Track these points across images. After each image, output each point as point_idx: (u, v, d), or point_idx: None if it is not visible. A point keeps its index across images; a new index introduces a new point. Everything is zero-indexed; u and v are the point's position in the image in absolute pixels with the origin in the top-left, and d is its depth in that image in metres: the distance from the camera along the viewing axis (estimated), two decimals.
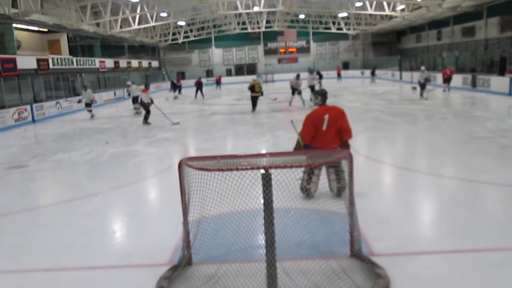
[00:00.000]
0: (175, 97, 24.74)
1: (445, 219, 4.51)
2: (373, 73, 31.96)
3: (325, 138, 4.95)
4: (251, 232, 3.93)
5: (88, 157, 8.94)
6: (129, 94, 18.82)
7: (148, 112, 13.50)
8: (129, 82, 18.17)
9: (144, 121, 13.57)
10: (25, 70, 18.06)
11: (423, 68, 17.79)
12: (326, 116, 4.91)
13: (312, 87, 16.86)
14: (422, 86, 17.02)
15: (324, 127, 4.90)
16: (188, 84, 32.64)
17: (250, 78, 38.91)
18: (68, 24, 22.18)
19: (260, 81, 36.49)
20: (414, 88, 22.14)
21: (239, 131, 11.58)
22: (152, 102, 13.39)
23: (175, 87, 26.17)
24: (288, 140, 9.80)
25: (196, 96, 24.03)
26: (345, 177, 4.26)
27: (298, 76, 16.55)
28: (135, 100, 16.73)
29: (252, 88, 15.25)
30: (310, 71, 20.62)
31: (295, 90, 16.11)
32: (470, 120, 11.29)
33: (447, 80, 19.24)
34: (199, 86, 24.13)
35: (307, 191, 5.05)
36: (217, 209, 3.45)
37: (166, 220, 4.77)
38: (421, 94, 17.03)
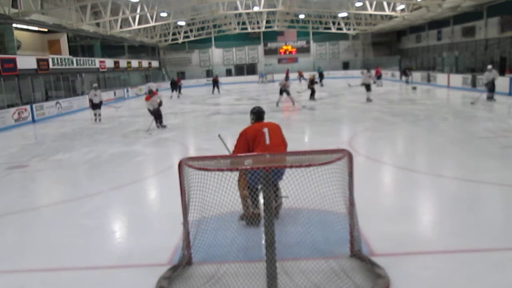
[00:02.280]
0: (171, 97, 24.70)
1: (445, 219, 4.51)
2: (406, 73, 25.91)
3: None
4: (251, 232, 3.93)
5: (88, 157, 8.94)
6: (91, 101, 15.35)
7: (157, 117, 12.16)
8: (95, 85, 15.85)
9: (158, 125, 12.19)
10: (25, 70, 18.04)
11: (489, 67, 14.69)
12: (266, 130, 4.43)
13: (367, 86, 16.55)
14: (490, 88, 14.35)
15: (268, 141, 4.34)
16: (189, 84, 32.93)
17: (250, 78, 39.24)
18: (68, 24, 22.20)
19: (265, 80, 36.90)
20: (414, 88, 22.19)
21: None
22: (160, 104, 12.05)
23: (176, 86, 25.99)
24: (287, 140, 9.81)
25: (213, 91, 26.79)
26: (281, 194, 4.12)
27: (287, 77, 17.27)
28: (97, 106, 15.09)
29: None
30: (367, 69, 20.25)
31: (283, 91, 16.51)
32: (470, 120, 11.29)
33: (379, 77, 25.60)
34: (215, 83, 27.14)
35: (256, 218, 4.16)
36: (217, 209, 3.44)
37: (166, 220, 4.77)
38: (491, 97, 14.50)
